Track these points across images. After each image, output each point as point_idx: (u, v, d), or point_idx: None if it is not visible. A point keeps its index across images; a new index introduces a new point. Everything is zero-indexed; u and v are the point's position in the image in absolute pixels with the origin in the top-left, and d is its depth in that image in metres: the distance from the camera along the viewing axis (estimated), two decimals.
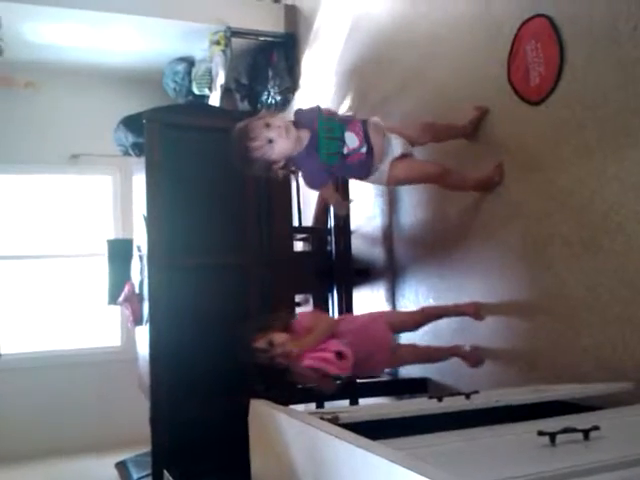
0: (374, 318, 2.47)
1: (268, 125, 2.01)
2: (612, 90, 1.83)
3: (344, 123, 2.15)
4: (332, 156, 2.10)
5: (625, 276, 1.78)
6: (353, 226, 3.16)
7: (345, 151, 2.10)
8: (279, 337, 2.14)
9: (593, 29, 1.89)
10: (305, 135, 2.08)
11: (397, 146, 2.19)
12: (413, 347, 2.42)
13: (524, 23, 2.14)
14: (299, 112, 2.20)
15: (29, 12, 3.77)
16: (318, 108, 2.19)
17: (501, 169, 2.23)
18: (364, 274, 3.17)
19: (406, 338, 2.56)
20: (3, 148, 4.43)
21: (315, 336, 2.19)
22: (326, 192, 2.31)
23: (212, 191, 2.54)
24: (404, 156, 2.21)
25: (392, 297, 2.98)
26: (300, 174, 2.26)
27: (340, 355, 2.16)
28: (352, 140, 2.11)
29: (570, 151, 1.97)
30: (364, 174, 2.21)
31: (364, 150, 2.13)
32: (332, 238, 3.11)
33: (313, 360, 2.13)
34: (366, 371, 2.50)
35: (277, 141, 2.01)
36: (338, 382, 2.24)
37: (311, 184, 2.24)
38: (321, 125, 2.10)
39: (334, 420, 1.28)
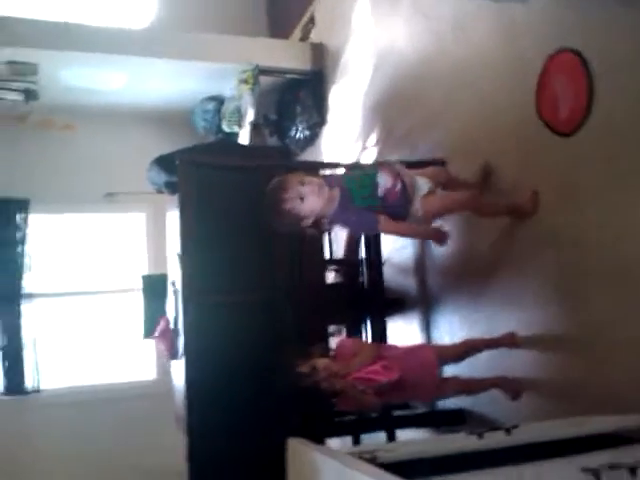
0: (421, 346, 2.55)
1: (302, 183, 2.06)
2: None
3: (374, 169, 2.22)
4: (367, 199, 2.13)
5: None
6: (384, 256, 3.16)
7: (380, 193, 2.14)
8: (322, 362, 2.17)
9: (621, 61, 1.89)
10: (336, 193, 2.13)
11: (423, 185, 2.22)
12: (456, 379, 2.41)
13: (551, 57, 2.15)
14: (326, 177, 2.29)
15: (65, 58, 3.91)
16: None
17: (536, 198, 2.23)
18: (397, 305, 3.16)
19: (446, 370, 2.53)
20: (41, 188, 4.54)
21: (362, 358, 2.24)
22: (392, 227, 2.27)
23: (244, 227, 2.57)
24: (430, 193, 2.23)
25: (426, 328, 2.96)
26: (348, 229, 2.30)
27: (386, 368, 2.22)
28: (385, 180, 2.16)
29: (603, 182, 1.96)
30: (404, 213, 2.20)
31: (399, 187, 2.16)
32: (364, 269, 3.11)
33: (361, 373, 2.18)
34: (410, 397, 2.49)
35: (308, 198, 2.05)
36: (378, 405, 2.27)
37: (366, 229, 2.30)
38: (349, 179, 2.20)
39: (372, 460, 1.27)
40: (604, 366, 1.94)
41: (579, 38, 2.04)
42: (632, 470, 1.14)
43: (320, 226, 2.18)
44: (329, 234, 3.37)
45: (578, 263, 2.05)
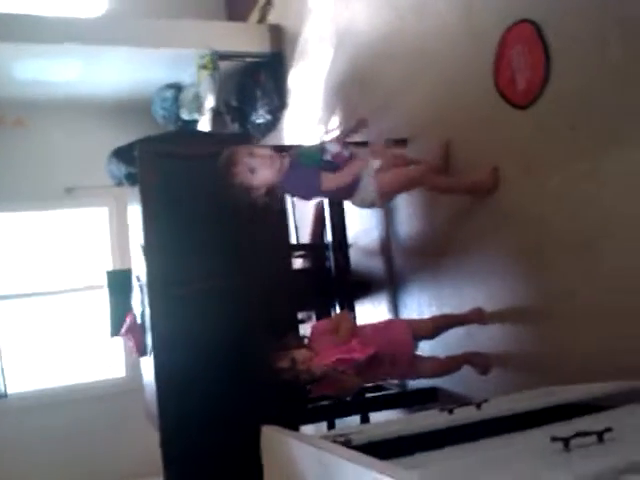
0: (393, 320, 2.59)
1: (252, 154, 2.11)
2: (600, 93, 1.84)
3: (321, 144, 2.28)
4: (315, 161, 2.17)
5: (624, 276, 1.78)
6: (350, 239, 3.16)
7: (328, 157, 2.17)
8: (300, 354, 2.18)
9: (579, 33, 1.89)
10: (286, 162, 2.17)
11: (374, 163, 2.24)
12: (434, 359, 2.42)
13: (509, 29, 2.15)
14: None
15: (16, 50, 3.79)
16: None
17: (496, 174, 2.24)
18: (365, 287, 3.17)
19: (422, 350, 2.54)
20: None
21: (345, 329, 2.27)
22: (335, 179, 2.22)
23: (207, 216, 2.53)
24: (381, 170, 2.24)
25: (394, 308, 2.98)
26: (297, 194, 2.33)
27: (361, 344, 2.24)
28: (333, 146, 2.21)
29: (561, 154, 1.98)
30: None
31: (347, 153, 2.20)
32: (330, 253, 3.11)
33: (341, 353, 2.20)
34: (389, 372, 2.51)
35: (259, 170, 2.10)
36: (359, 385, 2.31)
37: (312, 191, 2.27)
38: (299, 149, 2.28)
39: (347, 443, 1.27)
40: (570, 337, 1.97)
41: (537, 9, 2.04)
42: (599, 436, 1.15)
43: (272, 195, 2.19)
44: (294, 218, 3.35)
45: (541, 236, 2.07)
